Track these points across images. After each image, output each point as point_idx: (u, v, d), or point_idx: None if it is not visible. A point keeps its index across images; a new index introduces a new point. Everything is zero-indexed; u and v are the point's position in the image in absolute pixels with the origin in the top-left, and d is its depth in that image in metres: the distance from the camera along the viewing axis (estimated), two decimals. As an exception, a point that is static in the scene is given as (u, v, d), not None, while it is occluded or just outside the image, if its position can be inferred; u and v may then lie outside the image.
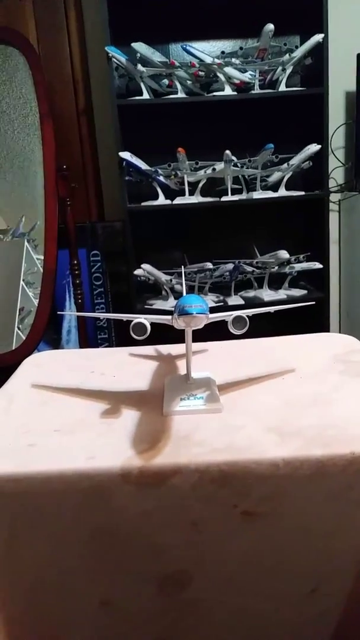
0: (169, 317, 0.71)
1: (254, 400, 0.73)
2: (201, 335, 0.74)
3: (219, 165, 2.06)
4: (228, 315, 0.71)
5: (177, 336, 0.91)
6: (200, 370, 0.80)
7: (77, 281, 2.06)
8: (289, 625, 0.69)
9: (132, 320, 0.69)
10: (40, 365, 0.91)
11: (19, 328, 2.07)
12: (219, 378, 0.78)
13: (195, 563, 0.64)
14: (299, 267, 2.19)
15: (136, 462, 0.59)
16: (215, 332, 0.90)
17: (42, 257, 1.98)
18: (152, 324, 0.69)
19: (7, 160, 2.11)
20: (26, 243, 2.05)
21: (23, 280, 2.06)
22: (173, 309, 0.68)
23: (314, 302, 1.00)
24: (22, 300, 2.04)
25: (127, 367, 0.90)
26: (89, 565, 0.64)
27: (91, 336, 2.25)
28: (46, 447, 0.63)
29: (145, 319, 0.69)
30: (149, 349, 0.96)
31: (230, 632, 0.69)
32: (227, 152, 2.00)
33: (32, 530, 0.61)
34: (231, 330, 0.70)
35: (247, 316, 0.70)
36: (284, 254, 2.10)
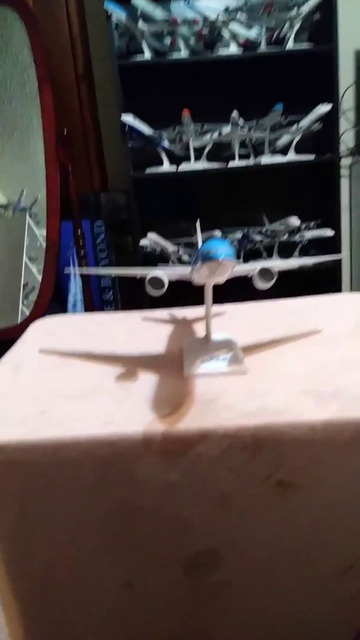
0: (187, 269, 0.65)
1: (281, 362, 0.67)
2: (216, 297, 0.69)
3: (226, 129, 1.97)
4: (252, 270, 0.64)
5: (191, 301, 0.85)
6: (220, 333, 0.74)
7: (82, 252, 1.99)
8: (322, 606, 0.64)
9: (146, 277, 0.63)
10: (49, 330, 0.85)
11: (23, 304, 2.01)
12: (241, 340, 0.72)
13: (225, 540, 0.58)
14: (309, 234, 2.11)
15: (159, 427, 0.53)
16: (230, 294, 0.85)
17: (45, 232, 1.92)
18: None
19: (6, 132, 2.03)
20: (28, 218, 1.98)
21: (26, 256, 2.01)
22: (191, 260, 0.62)
23: (340, 256, 0.93)
24: (25, 276, 1.99)
25: (141, 332, 0.84)
26: (108, 543, 0.58)
27: (98, 308, 2.19)
28: (58, 413, 0.57)
29: (161, 272, 0.63)
30: (162, 313, 0.90)
31: (262, 614, 0.64)
32: (234, 114, 1.91)
33: (45, 504, 0.56)
34: (257, 285, 0.64)
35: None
36: (294, 221, 2.02)
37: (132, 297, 2.08)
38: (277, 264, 0.68)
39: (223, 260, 0.53)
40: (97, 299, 2.20)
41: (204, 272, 0.56)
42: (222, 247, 0.54)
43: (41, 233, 1.96)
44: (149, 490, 0.55)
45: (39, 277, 1.94)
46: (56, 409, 0.58)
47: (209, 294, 0.65)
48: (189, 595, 0.63)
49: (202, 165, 2.03)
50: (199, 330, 0.80)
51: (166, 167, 2.03)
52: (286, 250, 2.20)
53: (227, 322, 0.86)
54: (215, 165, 2.05)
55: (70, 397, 0.61)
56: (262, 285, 0.64)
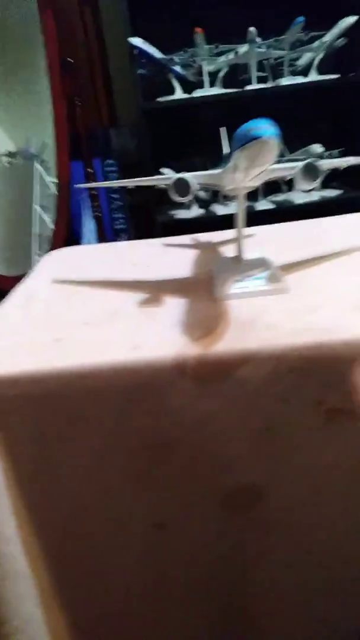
0: (216, 171, 0.56)
1: (324, 279, 0.59)
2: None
3: (242, 48, 1.81)
4: (294, 168, 0.56)
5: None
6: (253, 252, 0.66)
7: (94, 192, 1.89)
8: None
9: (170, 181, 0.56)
10: (64, 260, 0.78)
11: (37, 254, 1.95)
12: (277, 259, 0.64)
13: (267, 475, 0.52)
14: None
15: (193, 350, 0.46)
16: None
17: (56, 179, 1.83)
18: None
19: (10, 74, 1.91)
20: (37, 165, 1.89)
21: (38, 205, 1.93)
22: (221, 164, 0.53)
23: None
24: (38, 226, 1.91)
25: (163, 257, 0.76)
26: (137, 481, 0.52)
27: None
28: (76, 340, 0.50)
29: (188, 175, 0.55)
30: (185, 238, 0.81)
31: (306, 553, 0.59)
32: (251, 29, 1.75)
33: (65, 442, 0.49)
34: (299, 186, 0.57)
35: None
36: (316, 149, 1.88)
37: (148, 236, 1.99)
38: (323, 161, 0.59)
39: (269, 138, 0.43)
40: (111, 240, 2.11)
41: (241, 162, 0.47)
42: (265, 124, 0.44)
43: (52, 180, 1.88)
44: (182, 422, 0.48)
45: (52, 227, 1.87)
46: (73, 336, 0.51)
47: (241, 201, 0.56)
48: (225, 535, 0.57)
49: (217, 90, 1.89)
50: (228, 251, 0.71)
51: (179, 94, 1.89)
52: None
53: (258, 244, 0.77)
54: (231, 90, 1.90)
55: (88, 323, 0.54)
56: (305, 185, 0.56)
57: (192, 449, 0.50)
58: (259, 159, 0.46)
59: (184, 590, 0.61)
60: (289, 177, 0.57)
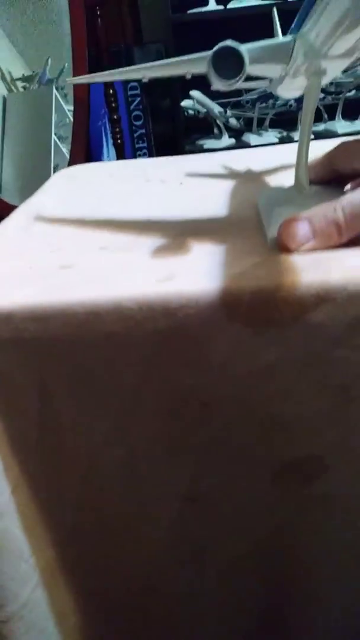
0: (287, 38, 0.39)
1: None
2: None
3: None
4: None
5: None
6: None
7: (115, 117, 1.72)
8: None
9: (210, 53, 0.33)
10: (77, 177, 0.64)
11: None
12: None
13: (336, 447, 0.40)
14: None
15: (248, 284, 0.33)
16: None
17: (73, 107, 1.66)
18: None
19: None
20: (55, 91, 1.72)
21: (55, 134, 1.77)
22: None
23: None
24: (55, 157, 1.77)
25: (197, 177, 0.61)
26: (169, 446, 0.41)
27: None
28: (89, 267, 0.38)
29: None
30: (225, 156, 0.67)
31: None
32: None
33: (76, 398, 0.38)
34: None
35: None
36: (364, 69, 1.67)
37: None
38: None
39: None
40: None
41: (332, 15, 0.29)
42: None
43: (70, 109, 1.72)
44: (230, 378, 0.36)
45: (69, 157, 1.73)
46: (86, 263, 0.39)
47: (314, 91, 0.39)
48: (274, 511, 0.46)
49: (255, 1, 1.67)
50: (281, 179, 0.54)
51: (212, 5, 1.68)
52: (351, 110, 1.87)
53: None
54: (271, 1, 1.68)
55: (106, 248, 0.41)
56: None
57: (240, 411, 0.38)
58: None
59: (218, 570, 0.51)
60: None
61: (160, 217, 0.46)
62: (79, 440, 0.41)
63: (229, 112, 1.78)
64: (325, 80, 0.38)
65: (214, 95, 1.77)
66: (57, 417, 0.38)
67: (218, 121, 1.80)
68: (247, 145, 1.83)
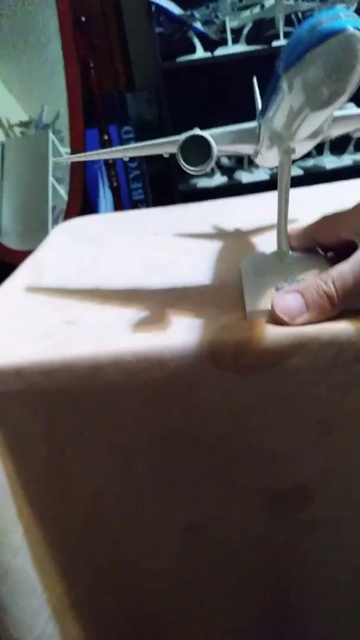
0: (248, 125, 0.42)
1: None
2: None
3: (269, 1, 1.68)
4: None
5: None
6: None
7: (110, 161, 1.79)
8: None
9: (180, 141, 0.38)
10: (77, 230, 0.69)
11: (52, 227, 1.87)
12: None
13: (320, 475, 0.44)
14: (367, 124, 1.84)
15: (232, 335, 0.37)
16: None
17: (69, 149, 1.74)
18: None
19: (21, 39, 1.80)
20: (51, 135, 1.80)
21: (52, 176, 1.84)
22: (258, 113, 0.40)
23: None
24: (53, 198, 1.83)
25: (189, 229, 0.66)
26: (165, 480, 0.45)
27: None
28: (91, 323, 0.42)
29: (206, 133, 0.38)
30: (216, 205, 0.72)
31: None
32: (279, -22, 1.61)
33: (81, 441, 0.42)
34: None
35: None
36: (352, 108, 1.75)
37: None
38: None
39: (357, 30, 0.26)
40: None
41: (300, 89, 0.30)
42: (343, 12, 0.27)
43: (66, 151, 1.79)
44: (219, 417, 0.40)
45: (67, 199, 1.79)
46: (87, 319, 0.43)
47: (286, 168, 0.41)
48: (268, 539, 0.50)
49: (242, 48, 1.76)
50: (263, 241, 0.56)
51: (200, 53, 1.77)
52: (338, 146, 1.94)
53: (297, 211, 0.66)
54: (256, 47, 1.77)
55: (104, 304, 0.46)
56: None
57: (230, 446, 0.42)
58: (342, 72, 0.27)
59: (221, 594, 0.54)
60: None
61: (153, 274, 0.51)
62: (84, 480, 0.45)
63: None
64: (297, 155, 0.42)
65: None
66: (64, 461, 0.42)
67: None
68: (239, 183, 1.90)
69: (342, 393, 0.38)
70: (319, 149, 1.94)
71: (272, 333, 0.37)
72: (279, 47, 1.74)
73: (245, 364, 0.37)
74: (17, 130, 1.96)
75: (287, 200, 0.43)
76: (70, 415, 0.40)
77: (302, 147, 0.40)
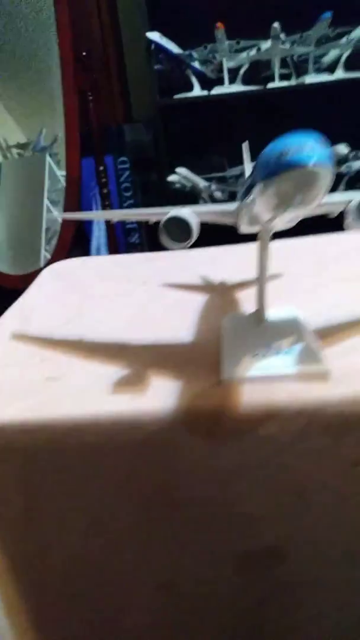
0: (229, 206, 0.44)
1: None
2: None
3: (265, 44, 1.73)
4: (345, 202, 0.42)
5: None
6: (279, 293, 0.54)
7: (105, 191, 1.82)
8: None
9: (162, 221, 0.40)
10: (66, 274, 0.71)
11: (45, 249, 1.89)
12: (305, 305, 0.51)
13: (292, 538, 0.45)
14: (358, 165, 1.89)
15: (207, 403, 0.39)
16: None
17: (65, 184, 1.76)
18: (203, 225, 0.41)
19: (22, 64, 1.84)
20: (48, 158, 1.83)
21: (47, 198, 1.86)
22: (241, 189, 0.42)
23: None
24: (47, 221, 1.84)
25: (177, 278, 0.68)
26: (141, 538, 0.46)
27: (123, 252, 2.04)
28: (73, 381, 0.44)
29: (188, 212, 0.40)
30: (204, 254, 0.73)
31: (338, 612, 0.51)
32: (275, 25, 1.66)
33: (58, 497, 0.43)
34: (350, 225, 0.41)
35: None
36: (342, 149, 1.80)
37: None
38: None
39: (316, 167, 0.30)
40: (122, 242, 2.04)
41: (268, 201, 0.34)
42: (308, 141, 0.31)
43: (62, 174, 1.81)
44: (195, 481, 0.41)
45: (61, 221, 1.81)
46: (70, 375, 0.44)
47: (265, 245, 0.43)
48: (241, 596, 0.50)
49: (238, 88, 1.80)
50: (247, 296, 0.57)
51: (197, 91, 1.81)
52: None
53: (285, 267, 0.68)
54: (252, 87, 1.82)
55: (89, 358, 0.47)
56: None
57: (206, 508, 0.43)
58: (298, 197, 0.31)
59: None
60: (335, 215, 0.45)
61: (137, 328, 0.52)
62: (60, 536, 0.45)
63: (213, 187, 1.88)
64: (278, 229, 0.43)
65: (199, 171, 1.89)
66: (41, 515, 0.43)
67: (203, 194, 1.91)
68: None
69: (313, 461, 0.40)
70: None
71: (245, 402, 0.38)
72: (273, 89, 1.79)
73: (220, 431, 0.38)
74: (15, 151, 1.98)
75: (266, 268, 0.45)
76: (49, 473, 0.41)
77: (280, 227, 0.42)
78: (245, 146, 0.65)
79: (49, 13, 1.73)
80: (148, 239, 2.06)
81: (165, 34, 1.74)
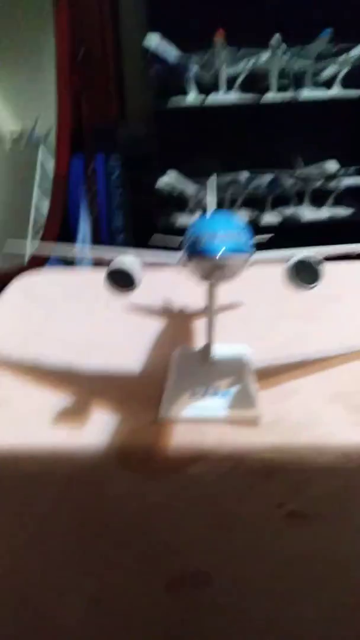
0: (173, 256, 0.45)
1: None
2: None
3: (265, 54, 1.74)
4: (283, 258, 0.42)
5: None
6: (235, 324, 0.57)
7: (92, 189, 1.83)
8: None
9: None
10: (33, 289, 0.72)
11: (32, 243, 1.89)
12: (257, 341, 0.53)
13: (218, 565, 0.47)
14: (347, 182, 1.91)
15: (139, 440, 0.40)
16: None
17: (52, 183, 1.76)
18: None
19: (22, 56, 1.83)
20: (42, 149, 1.82)
21: (38, 190, 1.86)
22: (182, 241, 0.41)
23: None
24: (36, 213, 1.84)
25: (142, 300, 0.69)
26: (76, 554, 0.48)
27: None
28: (16, 407, 0.45)
29: (131, 260, 0.41)
30: (174, 276, 0.74)
31: (264, 636, 0.54)
32: (277, 36, 1.67)
33: (2, 515, 0.44)
34: (290, 285, 0.41)
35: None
36: (331, 165, 1.82)
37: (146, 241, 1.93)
38: (323, 251, 0.44)
39: (222, 257, 0.34)
40: (106, 241, 2.04)
41: (192, 271, 0.38)
42: (222, 231, 0.35)
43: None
44: (127, 511, 0.43)
45: (47, 216, 1.81)
46: (14, 402, 0.46)
47: (211, 298, 0.45)
48: (168, 613, 0.52)
49: (234, 96, 1.81)
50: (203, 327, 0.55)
51: (193, 97, 1.82)
52: (319, 198, 2.00)
53: (241, 294, 0.68)
54: (248, 97, 1.83)
55: (35, 384, 0.49)
56: (303, 286, 0.40)
57: (134, 536, 0.45)
58: (213, 276, 0.37)
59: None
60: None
61: (91, 353, 0.54)
62: (2, 544, 0.47)
63: (202, 193, 1.90)
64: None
65: (191, 175, 1.90)
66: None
67: (191, 200, 1.92)
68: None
69: (239, 499, 0.42)
70: (299, 198, 2.00)
71: (176, 442, 0.40)
72: (270, 100, 1.80)
73: (151, 468, 0.40)
74: (9, 139, 1.97)
75: (214, 313, 0.46)
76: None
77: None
78: (210, 181, 0.66)
79: (49, 9, 1.73)
80: (136, 241, 2.07)
81: (165, 36, 1.74)
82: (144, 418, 0.43)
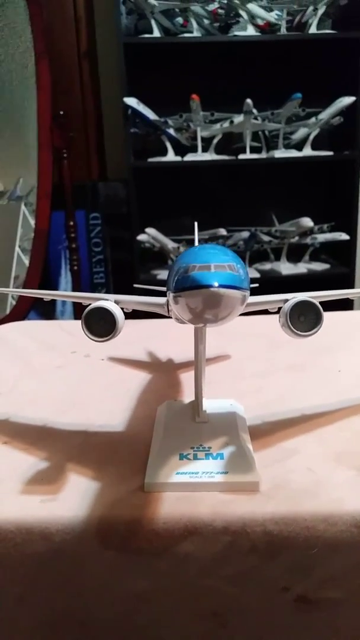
0: (158, 300, 0.43)
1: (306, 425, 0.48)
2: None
3: (238, 118, 1.80)
4: (278, 301, 0.40)
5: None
6: (225, 377, 0.53)
7: (73, 245, 1.81)
8: None
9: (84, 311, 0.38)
10: (9, 339, 0.67)
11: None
12: (247, 396, 0.49)
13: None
14: (322, 237, 1.93)
15: (122, 514, 0.35)
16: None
17: (33, 237, 1.76)
18: (133, 311, 0.40)
19: (5, 116, 1.87)
20: (23, 207, 1.83)
21: (19, 246, 1.85)
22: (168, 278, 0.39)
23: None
24: (17, 269, 1.83)
25: (122, 352, 0.65)
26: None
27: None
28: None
29: (114, 304, 0.38)
30: (155, 326, 0.71)
31: None
32: (248, 101, 1.73)
33: None
34: (288, 331, 0.39)
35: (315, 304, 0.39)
36: (307, 222, 1.85)
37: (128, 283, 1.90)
38: (320, 295, 0.42)
39: (219, 290, 0.30)
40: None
41: (183, 308, 0.33)
42: (217, 260, 0.31)
43: (35, 222, 1.81)
44: (107, 602, 0.37)
45: (27, 272, 1.79)
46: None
47: (200, 343, 0.41)
48: None
49: (210, 156, 1.85)
50: (189, 380, 0.53)
51: (170, 157, 1.85)
52: (295, 253, 2.03)
53: (225, 346, 0.66)
54: (224, 157, 1.87)
55: (6, 445, 0.44)
56: (300, 333, 0.38)
57: (117, 633, 0.39)
58: (206, 313, 0.32)
59: None
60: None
61: (70, 410, 0.49)
62: None
63: (181, 248, 1.90)
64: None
65: (169, 232, 1.91)
66: None
67: (172, 255, 1.92)
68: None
69: (239, 584, 0.36)
70: (277, 255, 2.02)
71: (165, 514, 0.35)
72: (244, 160, 1.84)
73: (134, 546, 0.35)
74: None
75: (203, 359, 0.43)
76: None
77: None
78: (196, 225, 0.64)
79: (32, 70, 1.77)
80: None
81: (142, 100, 1.79)
82: (127, 486, 0.37)
